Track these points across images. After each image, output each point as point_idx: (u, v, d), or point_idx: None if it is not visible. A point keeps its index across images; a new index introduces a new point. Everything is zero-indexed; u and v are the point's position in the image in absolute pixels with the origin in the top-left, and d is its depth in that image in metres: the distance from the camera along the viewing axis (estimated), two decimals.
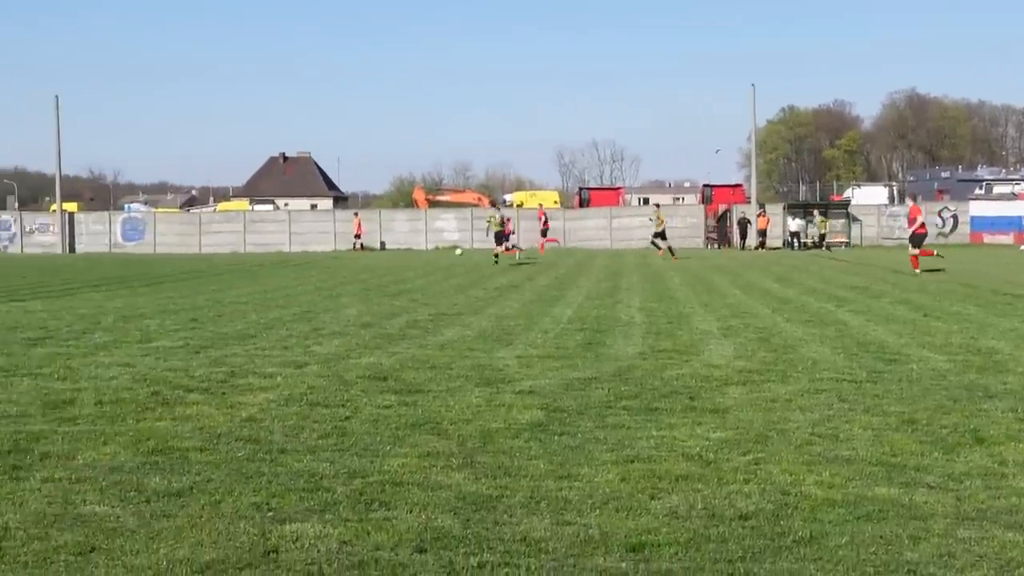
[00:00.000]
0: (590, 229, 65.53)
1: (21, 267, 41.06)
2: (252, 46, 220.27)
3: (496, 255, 39.88)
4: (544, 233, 57.53)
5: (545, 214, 62.00)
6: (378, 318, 17.22)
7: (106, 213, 75.17)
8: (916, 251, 30.77)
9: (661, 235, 42.46)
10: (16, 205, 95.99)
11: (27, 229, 69.25)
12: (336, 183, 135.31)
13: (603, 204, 74.87)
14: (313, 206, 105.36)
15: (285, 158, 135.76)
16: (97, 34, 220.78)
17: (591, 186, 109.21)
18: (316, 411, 8.96)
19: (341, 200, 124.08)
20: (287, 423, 8.44)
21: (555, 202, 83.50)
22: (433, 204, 79.08)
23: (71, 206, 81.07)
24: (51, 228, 68.82)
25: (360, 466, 7.03)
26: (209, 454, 7.38)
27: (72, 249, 67.61)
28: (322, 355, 12.49)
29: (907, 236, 33.42)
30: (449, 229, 67.08)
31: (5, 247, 67.93)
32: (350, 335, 14.62)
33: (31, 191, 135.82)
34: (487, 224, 47.82)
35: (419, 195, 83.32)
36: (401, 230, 67.54)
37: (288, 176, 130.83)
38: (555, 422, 8.49)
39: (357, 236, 63.45)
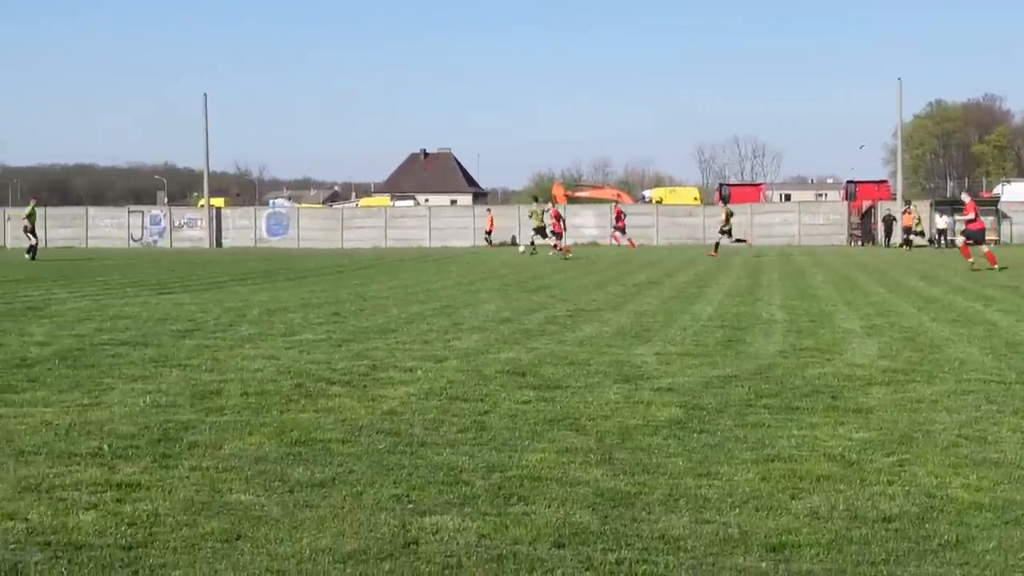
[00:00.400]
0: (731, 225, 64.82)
1: (170, 261, 42.20)
2: (392, 43, 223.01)
3: (534, 248, 43.42)
4: (622, 231, 56.41)
5: (621, 210, 60.53)
6: (517, 313, 17.29)
7: (251, 208, 76.97)
8: (968, 242, 30.80)
9: (728, 232, 42.74)
10: (166, 200, 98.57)
11: (176, 224, 71.17)
12: (476, 179, 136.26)
13: (744, 200, 74.02)
14: (453, 202, 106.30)
15: (426, 154, 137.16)
16: (244, 33, 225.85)
17: (732, 182, 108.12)
18: (455, 405, 9.04)
19: (481, 196, 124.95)
20: (427, 417, 8.53)
21: (695, 198, 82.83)
22: (572, 200, 79.14)
23: (218, 201, 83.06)
24: (199, 223, 70.62)
25: (499, 460, 7.07)
26: (351, 446, 7.50)
27: (219, 243, 69.29)
28: (461, 350, 12.59)
29: (962, 230, 33.14)
30: (588, 225, 67.05)
31: (155, 241, 69.90)
32: (489, 330, 14.71)
33: (180, 187, 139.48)
34: (530, 218, 47.89)
35: (558, 191, 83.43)
36: None
37: (429, 172, 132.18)
38: (694, 420, 8.43)
39: (488, 232, 63.84)
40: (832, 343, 13.18)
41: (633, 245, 52.39)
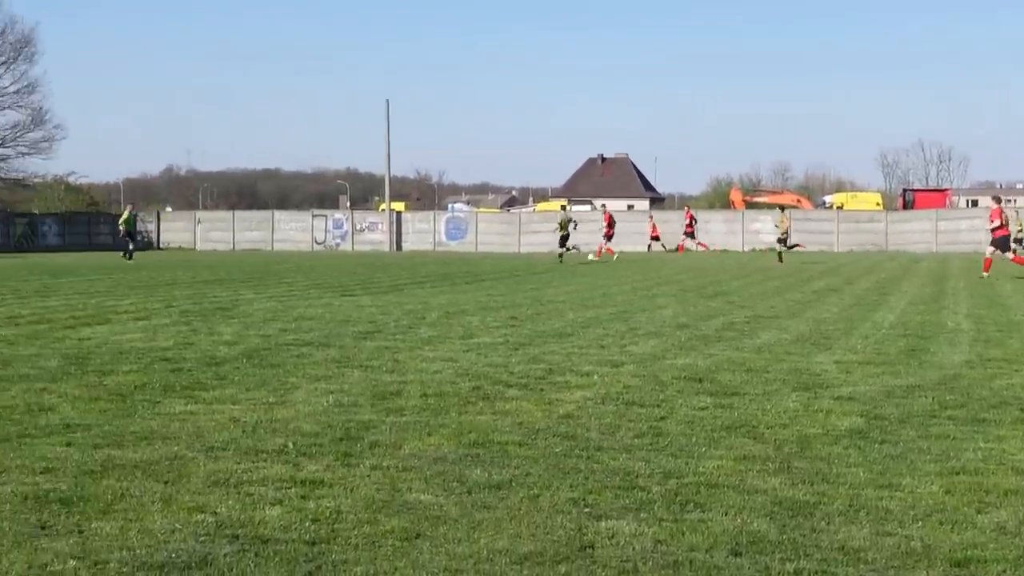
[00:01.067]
0: (914, 232, 63.13)
1: (352, 263, 43.09)
2: (571, 48, 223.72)
3: (560, 255, 43.94)
4: (691, 235, 54.65)
5: (693, 215, 58.36)
6: (694, 319, 17.17)
7: (431, 212, 78.00)
8: (996, 253, 29.99)
9: (783, 240, 42.02)
10: (348, 204, 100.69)
11: (358, 227, 72.56)
12: (653, 184, 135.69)
13: (928, 206, 72.07)
14: (630, 206, 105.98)
15: (603, 159, 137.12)
16: (426, 39, 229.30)
17: (916, 187, 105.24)
18: (632, 410, 9.03)
19: (657, 201, 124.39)
20: (603, 421, 8.54)
21: (877, 204, 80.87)
22: (750, 205, 78.18)
23: (399, 205, 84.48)
24: (380, 226, 71.88)
25: (675, 466, 7.04)
26: (528, 449, 7.56)
27: (399, 247, 70.42)
28: (638, 355, 12.57)
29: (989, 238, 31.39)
30: (766, 231, 65.99)
31: (337, 244, 71.40)
32: (666, 336, 14.64)
33: (362, 191, 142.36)
34: (556, 226, 47.70)
35: (736, 196, 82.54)
36: (717, 231, 67.04)
37: (606, 177, 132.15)
38: (875, 430, 8.26)
39: (655, 238, 63.49)
40: (1022, 353, 12.74)
41: (681, 250, 50.92)
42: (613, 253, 47.54)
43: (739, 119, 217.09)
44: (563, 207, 46.67)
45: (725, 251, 62.56)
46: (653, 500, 6.22)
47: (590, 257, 47.42)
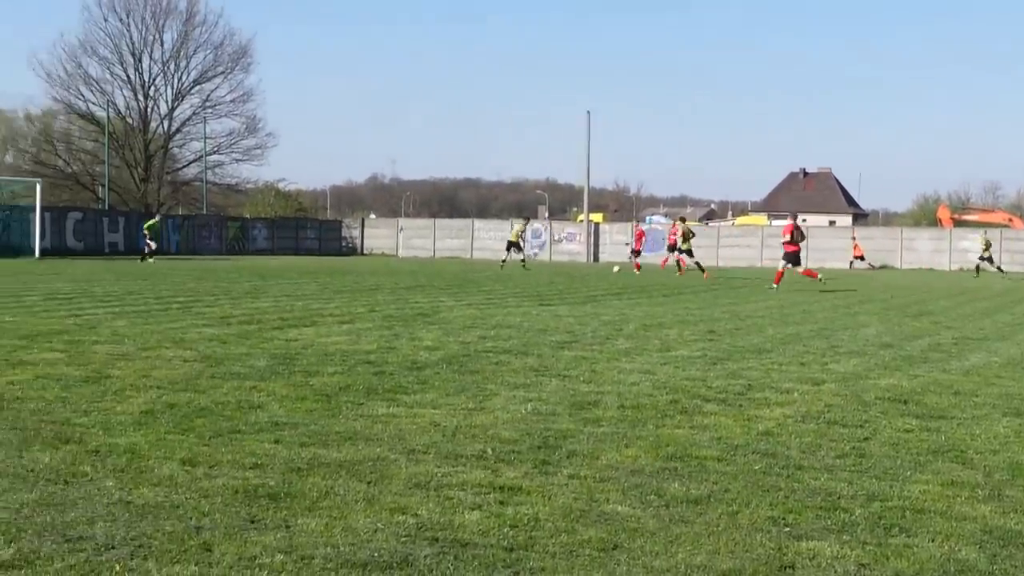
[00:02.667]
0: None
1: (549, 273, 43.33)
2: (770, 61, 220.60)
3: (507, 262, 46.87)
4: (671, 249, 51.94)
5: (679, 229, 54.89)
6: (898, 339, 16.73)
7: (628, 224, 77.86)
8: (788, 267, 32.27)
9: (684, 250, 42.16)
10: (547, 215, 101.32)
11: (555, 237, 73.02)
12: (856, 199, 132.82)
13: None
14: (831, 222, 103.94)
15: (805, 173, 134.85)
16: (627, 51, 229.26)
17: None
18: (833, 430, 8.84)
19: (861, 217, 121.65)
20: (804, 440, 8.38)
21: None
22: (958, 223, 75.81)
23: (596, 217, 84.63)
24: (577, 237, 72.20)
25: (879, 489, 6.87)
26: (726, 464, 7.47)
27: (595, 258, 70.55)
28: (839, 373, 12.31)
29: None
30: (975, 250, 63.97)
31: (535, 254, 71.92)
32: (868, 354, 14.30)
33: (560, 202, 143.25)
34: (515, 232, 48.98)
35: (943, 214, 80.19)
36: (923, 249, 65.25)
37: (807, 192, 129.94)
38: None
39: (859, 257, 62.08)
40: None
41: (663, 265, 49.10)
42: (639, 268, 46.92)
43: (948, 135, 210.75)
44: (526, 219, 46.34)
45: (931, 269, 60.74)
46: (856, 522, 6.07)
47: (616, 270, 47.12)
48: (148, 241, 48.80)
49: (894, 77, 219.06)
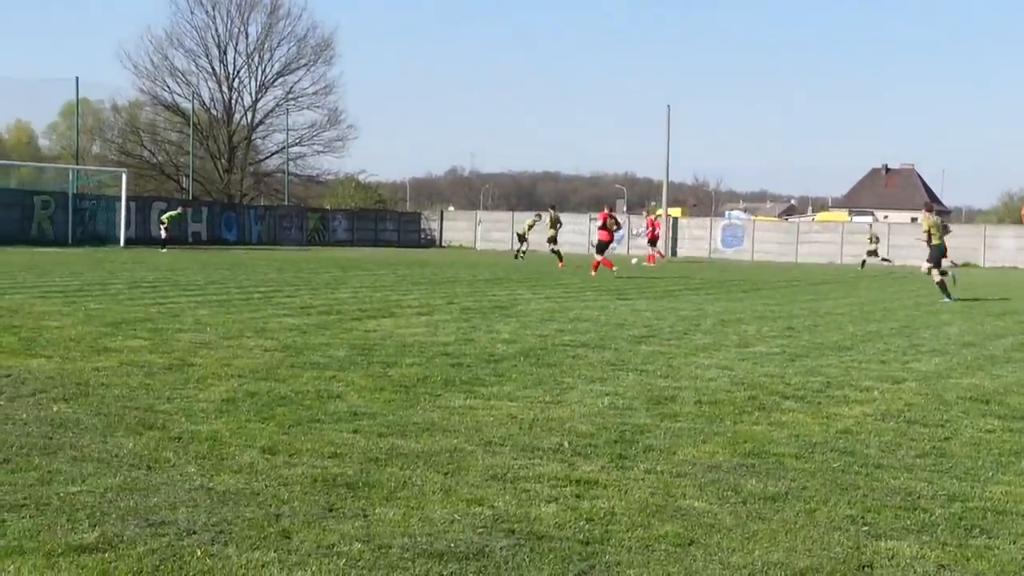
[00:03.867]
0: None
1: (627, 267, 43.17)
2: (852, 55, 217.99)
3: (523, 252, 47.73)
4: (652, 243, 50.67)
5: (654, 224, 53.20)
6: (981, 338, 16.49)
7: (707, 219, 77.48)
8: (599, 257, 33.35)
9: (552, 239, 41.54)
10: (625, 209, 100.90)
11: (633, 232, 72.71)
12: (939, 196, 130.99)
13: None
14: (913, 219, 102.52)
15: (888, 170, 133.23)
16: (707, 44, 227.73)
17: None
18: (913, 429, 8.74)
19: (943, 214, 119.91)
20: (883, 438, 8.30)
21: None
22: None
23: (675, 211, 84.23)
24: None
25: (960, 489, 6.78)
26: (804, 462, 7.42)
27: (674, 253, 70.26)
28: (920, 372, 12.16)
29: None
30: None
31: (613, 248, 71.71)
32: (950, 353, 14.11)
33: (639, 196, 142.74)
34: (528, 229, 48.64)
35: None
36: (1007, 247, 64.23)
37: (889, 188, 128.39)
38: None
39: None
40: None
41: (651, 261, 48.32)
42: (653, 261, 46.38)
43: None
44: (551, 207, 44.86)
45: (1015, 268, 59.73)
46: (936, 523, 6.00)
47: (633, 262, 46.94)
48: (164, 229, 49.24)
49: (979, 71, 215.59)
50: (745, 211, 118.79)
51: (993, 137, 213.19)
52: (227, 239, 61.65)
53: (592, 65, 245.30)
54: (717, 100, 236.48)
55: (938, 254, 26.06)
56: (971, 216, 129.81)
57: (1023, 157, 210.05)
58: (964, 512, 6.24)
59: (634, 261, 47.75)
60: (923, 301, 25.94)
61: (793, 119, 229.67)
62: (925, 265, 26.73)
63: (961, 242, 64.22)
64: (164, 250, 45.83)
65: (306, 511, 5.80)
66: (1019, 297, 29.06)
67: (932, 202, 35.96)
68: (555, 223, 42.24)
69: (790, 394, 10.27)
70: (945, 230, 27.92)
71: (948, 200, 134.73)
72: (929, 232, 26.15)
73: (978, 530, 5.90)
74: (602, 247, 33.38)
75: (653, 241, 50.33)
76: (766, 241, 69.66)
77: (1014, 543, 5.67)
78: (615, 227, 33.52)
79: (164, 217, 50.31)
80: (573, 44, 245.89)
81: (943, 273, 26.12)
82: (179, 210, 53.93)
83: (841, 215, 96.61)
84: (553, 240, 41.52)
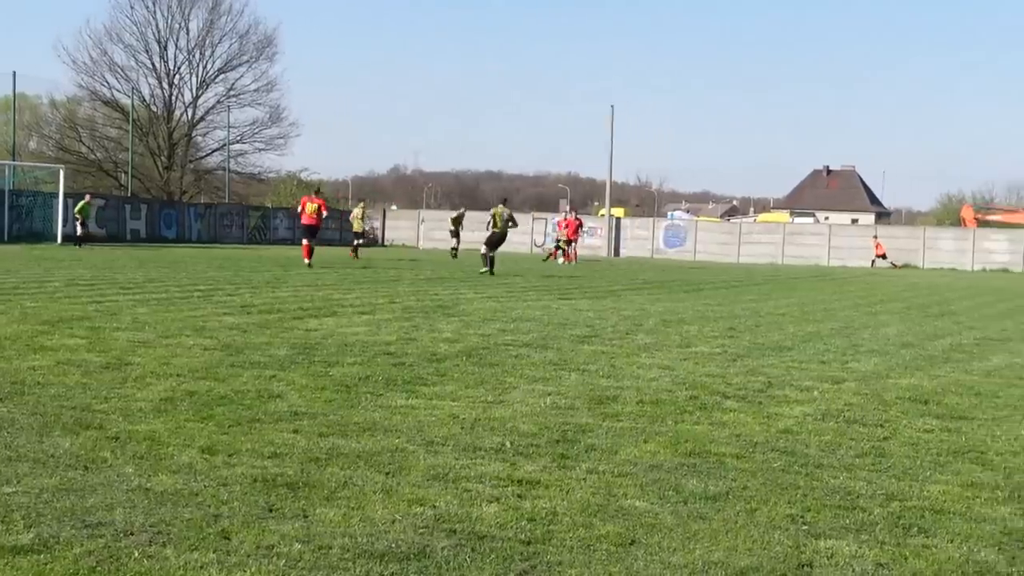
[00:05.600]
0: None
1: (569, 267, 43.26)
2: (803, 55, 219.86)
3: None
4: (569, 243, 50.92)
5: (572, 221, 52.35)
6: (919, 338, 16.67)
7: (650, 219, 77.81)
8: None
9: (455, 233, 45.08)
10: (568, 208, 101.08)
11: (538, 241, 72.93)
12: (879, 198, 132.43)
13: None
14: (854, 220, 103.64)
15: (829, 171, 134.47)
16: (650, 46, 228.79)
17: None
18: (853, 428, 8.81)
19: (883, 216, 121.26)
20: (823, 438, 8.36)
21: None
22: (982, 223, 75.51)
23: (618, 211, 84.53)
24: (599, 232, 72.06)
25: (898, 489, 6.84)
26: (745, 461, 7.45)
27: (616, 252, 70.48)
28: (860, 372, 12.27)
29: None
30: (999, 251, 63.76)
31: (545, 246, 71.80)
32: (889, 354, 14.25)
33: (582, 196, 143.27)
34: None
35: (967, 213, 79.92)
36: (946, 248, 65.00)
37: (831, 189, 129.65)
38: None
39: (881, 256, 62.02)
40: None
41: (555, 256, 49.32)
42: (571, 260, 46.71)
43: (973, 134, 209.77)
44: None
45: (953, 269, 60.55)
46: (875, 522, 6.05)
47: (556, 260, 47.72)
48: (80, 224, 47.42)
49: (920, 74, 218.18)
50: (688, 211, 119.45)
51: (933, 139, 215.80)
52: (167, 237, 61.05)
53: (537, 64, 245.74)
54: (661, 101, 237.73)
55: None
56: (911, 218, 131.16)
57: (963, 159, 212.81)
58: (902, 511, 6.29)
59: (547, 257, 48.37)
60: (862, 302, 26.20)
61: (736, 120, 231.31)
62: None
63: (901, 244, 65.09)
64: (80, 248, 44.34)
65: (246, 511, 5.74)
66: (957, 298, 29.42)
67: (873, 204, 36.20)
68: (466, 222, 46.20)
69: (731, 394, 10.32)
70: None
71: (888, 202, 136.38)
72: None
73: (916, 529, 5.95)
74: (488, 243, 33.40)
75: (570, 241, 50.56)
76: (708, 242, 70.02)
77: (951, 542, 5.72)
78: (502, 226, 33.59)
79: (76, 211, 48.88)
80: (518, 43, 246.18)
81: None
82: (86, 199, 52.00)
83: (783, 216, 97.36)
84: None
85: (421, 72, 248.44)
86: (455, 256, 47.84)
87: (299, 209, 34.78)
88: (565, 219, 53.12)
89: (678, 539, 5.58)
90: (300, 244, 34.96)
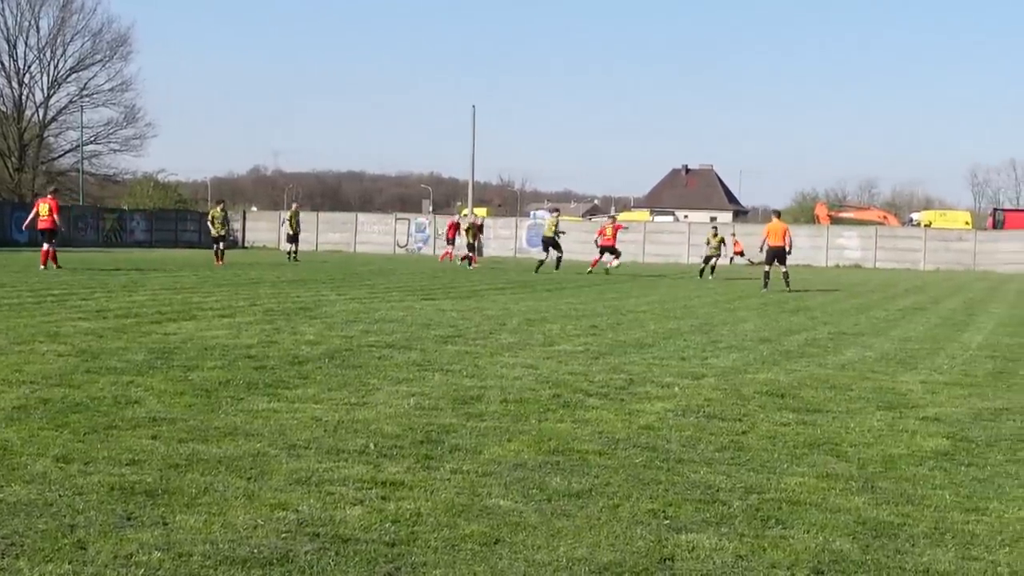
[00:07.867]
0: (1004, 252, 62.22)
1: (434, 267, 43.26)
2: (661, 57, 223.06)
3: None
4: (450, 243, 52.08)
5: (456, 224, 53.86)
6: (776, 334, 17.03)
7: (513, 219, 78.13)
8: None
9: (553, 244, 42.99)
10: (431, 209, 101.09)
11: (440, 232, 72.88)
12: (737, 197, 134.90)
13: (1020, 227, 70.72)
14: (712, 219, 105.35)
15: (687, 170, 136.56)
16: (510, 46, 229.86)
17: (1007, 207, 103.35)
18: (713, 423, 8.97)
19: (741, 214, 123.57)
20: (684, 433, 8.49)
21: (966, 223, 79.61)
22: (835, 221, 77.45)
23: (481, 211, 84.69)
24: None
25: (756, 482, 6.98)
26: (608, 458, 7.53)
27: (480, 252, 70.59)
28: (719, 368, 12.48)
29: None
30: (851, 247, 65.47)
31: (419, 248, 71.78)
32: (747, 349, 14.53)
33: (445, 196, 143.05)
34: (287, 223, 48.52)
35: (821, 211, 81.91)
36: (801, 246, 66.39)
37: (690, 189, 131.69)
38: (962, 452, 8.13)
39: (739, 253, 63.19)
40: None
41: (449, 256, 51.23)
42: (476, 262, 47.27)
43: (826, 134, 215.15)
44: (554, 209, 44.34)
45: (808, 266, 61.95)
46: (734, 515, 6.16)
47: (458, 264, 48.22)
48: None
49: (774, 76, 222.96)
50: (550, 211, 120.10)
51: (788, 138, 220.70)
52: (18, 240, 59.42)
53: (397, 63, 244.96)
54: (522, 101, 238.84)
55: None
56: (768, 216, 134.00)
57: (816, 158, 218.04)
58: (760, 504, 6.42)
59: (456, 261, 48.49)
60: (721, 299, 26.67)
61: (596, 120, 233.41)
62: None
63: (757, 240, 66.28)
64: None
65: (103, 521, 5.61)
66: (811, 294, 30.12)
67: (731, 202, 36.87)
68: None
69: (594, 391, 10.42)
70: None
71: (746, 200, 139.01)
72: None
73: (774, 521, 6.07)
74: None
75: (451, 240, 50.98)
76: (571, 241, 70.52)
77: (807, 532, 5.86)
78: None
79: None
80: (377, 41, 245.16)
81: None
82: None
83: (643, 215, 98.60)
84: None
85: (281, 72, 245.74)
86: (293, 259, 46.77)
87: (34, 213, 33.10)
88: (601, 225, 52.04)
89: (542, 537, 5.61)
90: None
